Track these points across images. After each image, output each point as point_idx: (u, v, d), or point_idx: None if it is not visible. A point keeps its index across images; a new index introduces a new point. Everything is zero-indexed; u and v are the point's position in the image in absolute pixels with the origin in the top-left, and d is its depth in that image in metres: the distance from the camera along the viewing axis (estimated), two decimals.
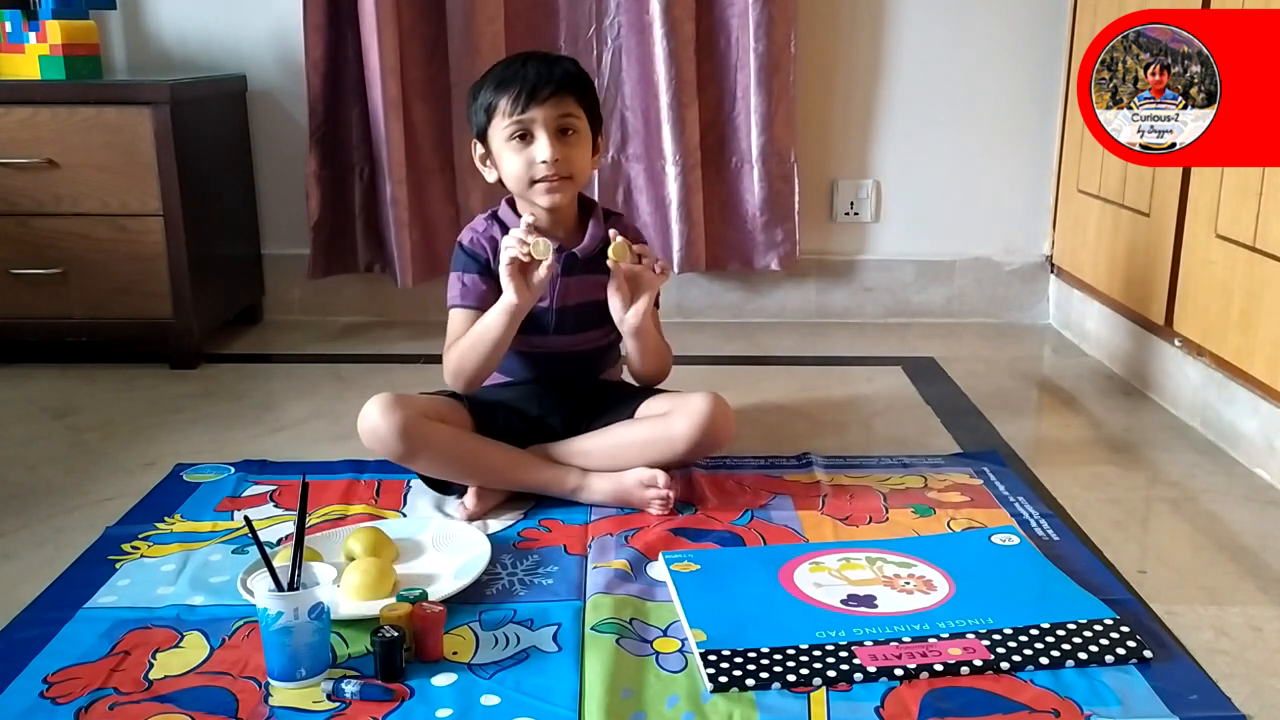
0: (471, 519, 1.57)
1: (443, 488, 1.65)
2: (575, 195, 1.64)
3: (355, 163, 2.57)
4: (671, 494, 1.58)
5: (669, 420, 1.58)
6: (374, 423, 1.56)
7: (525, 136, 1.56)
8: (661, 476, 1.57)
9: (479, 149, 1.64)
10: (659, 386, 1.72)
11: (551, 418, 1.65)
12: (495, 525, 1.56)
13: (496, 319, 1.56)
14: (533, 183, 1.57)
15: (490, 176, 1.64)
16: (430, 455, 1.57)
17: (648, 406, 1.65)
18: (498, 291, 1.59)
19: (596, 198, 2.60)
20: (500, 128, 1.57)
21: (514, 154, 1.57)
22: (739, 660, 1.19)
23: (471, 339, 1.59)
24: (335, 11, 2.48)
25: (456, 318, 1.64)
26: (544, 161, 1.55)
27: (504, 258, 1.52)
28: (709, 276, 2.71)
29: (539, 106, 1.54)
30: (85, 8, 2.38)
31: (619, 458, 1.60)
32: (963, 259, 2.73)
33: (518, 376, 1.73)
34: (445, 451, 1.57)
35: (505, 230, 1.63)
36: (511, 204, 1.66)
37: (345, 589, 1.32)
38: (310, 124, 2.51)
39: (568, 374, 1.68)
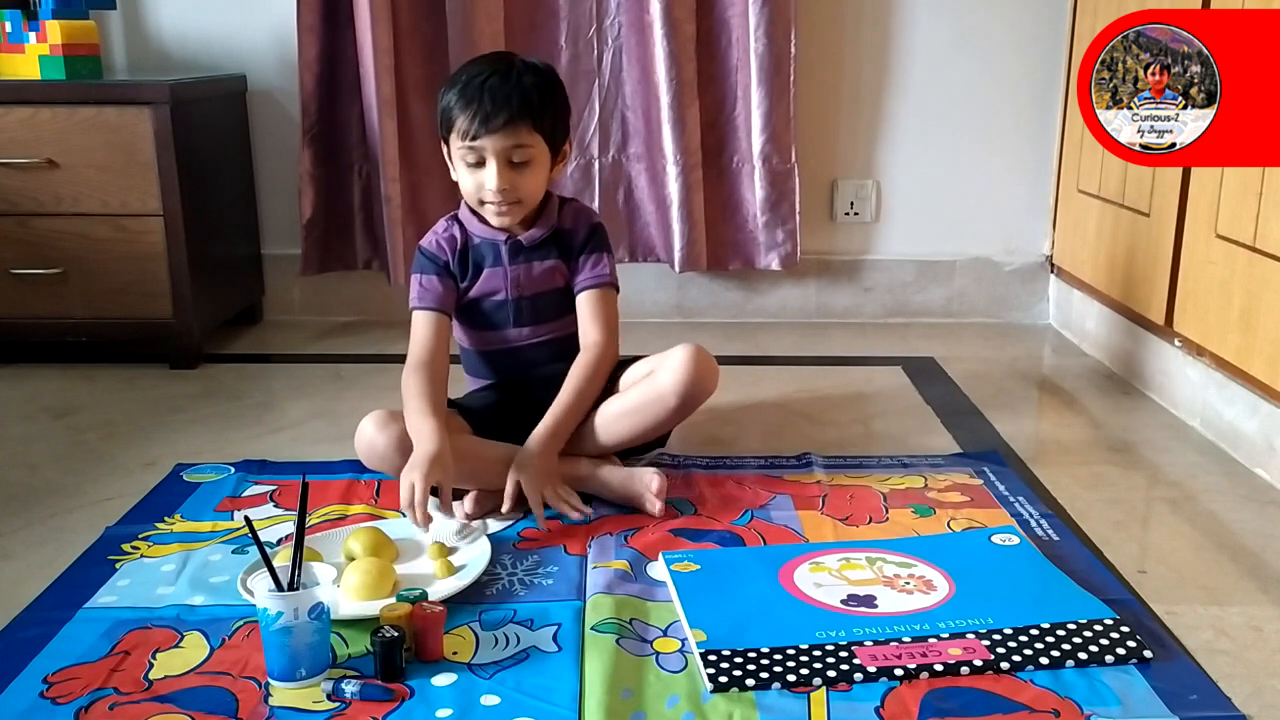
0: (471, 518, 1.57)
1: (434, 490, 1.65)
2: (530, 210, 1.65)
3: (353, 161, 2.57)
4: (660, 505, 1.57)
5: (654, 379, 1.61)
6: (370, 439, 1.56)
7: (478, 161, 1.58)
8: (656, 482, 1.57)
9: (445, 149, 1.65)
10: (635, 354, 1.74)
11: (542, 410, 1.65)
12: (495, 525, 1.56)
13: (412, 427, 1.53)
14: (481, 204, 1.62)
15: (454, 176, 1.66)
16: None
17: (630, 374, 1.67)
18: (454, 291, 1.67)
19: (597, 198, 2.61)
20: (455, 146, 1.59)
21: (466, 173, 1.61)
22: (739, 660, 1.19)
23: (407, 408, 1.57)
24: (330, 11, 2.48)
25: (416, 320, 1.66)
26: (491, 189, 1.58)
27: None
28: (709, 276, 2.71)
29: (490, 136, 1.55)
30: (85, 8, 2.37)
31: (615, 431, 1.62)
32: (963, 259, 2.73)
33: (494, 378, 1.74)
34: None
35: (465, 231, 1.67)
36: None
37: (345, 589, 1.32)
38: (303, 123, 2.52)
39: (540, 367, 1.69)
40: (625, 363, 1.72)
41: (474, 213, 1.67)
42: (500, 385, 1.75)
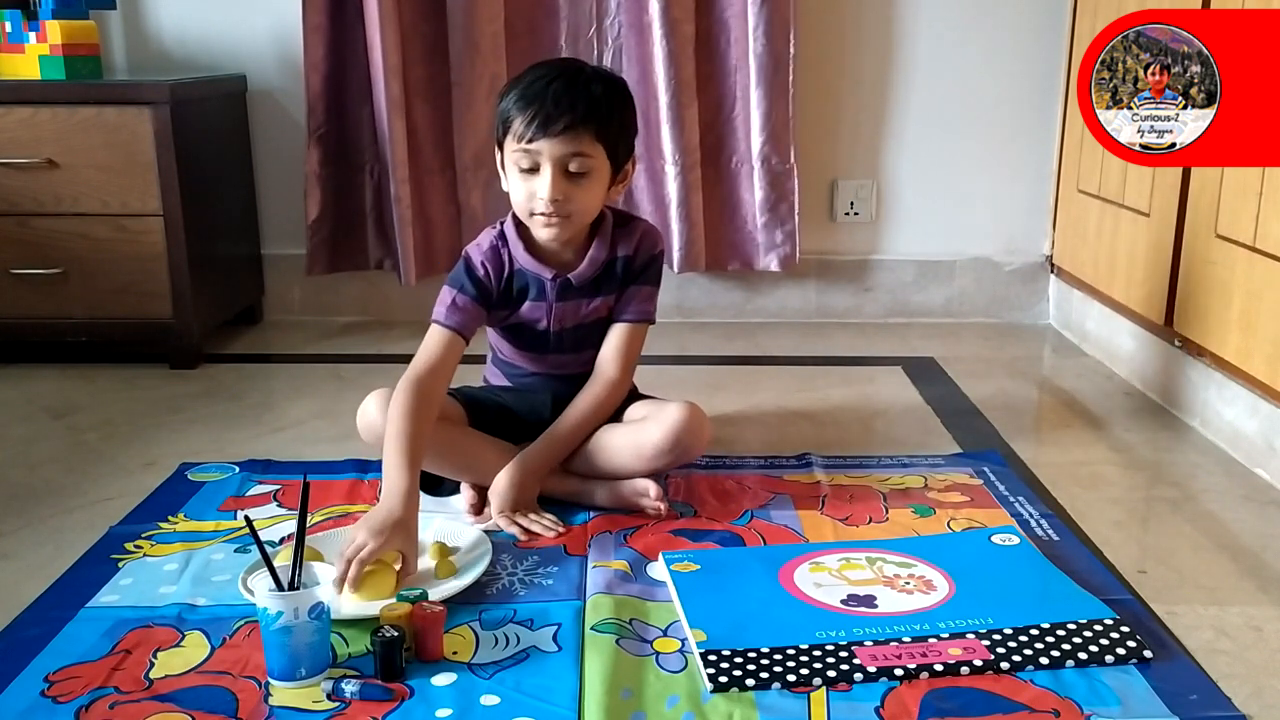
0: (477, 512, 1.57)
1: (431, 488, 1.65)
2: (580, 228, 1.56)
3: (364, 161, 2.57)
4: (663, 506, 1.57)
5: (643, 427, 1.58)
6: (371, 418, 1.56)
7: (532, 167, 1.49)
8: (654, 489, 1.56)
9: (499, 155, 1.56)
10: (645, 392, 1.74)
11: (544, 419, 1.65)
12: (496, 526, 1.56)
13: (386, 472, 1.42)
14: (530, 214, 1.52)
15: (505, 186, 1.57)
16: (427, 451, 1.57)
17: (631, 411, 1.65)
18: (483, 318, 1.59)
19: None
20: (510, 149, 1.50)
21: (519, 180, 1.51)
22: (739, 660, 1.19)
23: (388, 432, 1.45)
24: (334, 10, 2.48)
25: (432, 334, 1.56)
26: (543, 198, 1.48)
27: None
28: (709, 276, 2.72)
29: (548, 140, 1.46)
30: (85, 8, 2.37)
31: (598, 460, 1.60)
32: (963, 259, 2.73)
33: (518, 385, 1.73)
34: (441, 448, 1.57)
35: (511, 255, 1.59)
36: (518, 221, 1.59)
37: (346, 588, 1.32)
38: (309, 123, 2.52)
39: (563, 393, 1.65)
40: (632, 396, 1.70)
41: (519, 233, 1.58)
42: (517, 392, 1.72)
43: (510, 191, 1.54)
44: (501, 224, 1.61)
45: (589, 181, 1.50)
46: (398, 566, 1.35)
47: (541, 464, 1.58)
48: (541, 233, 1.53)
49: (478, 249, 1.60)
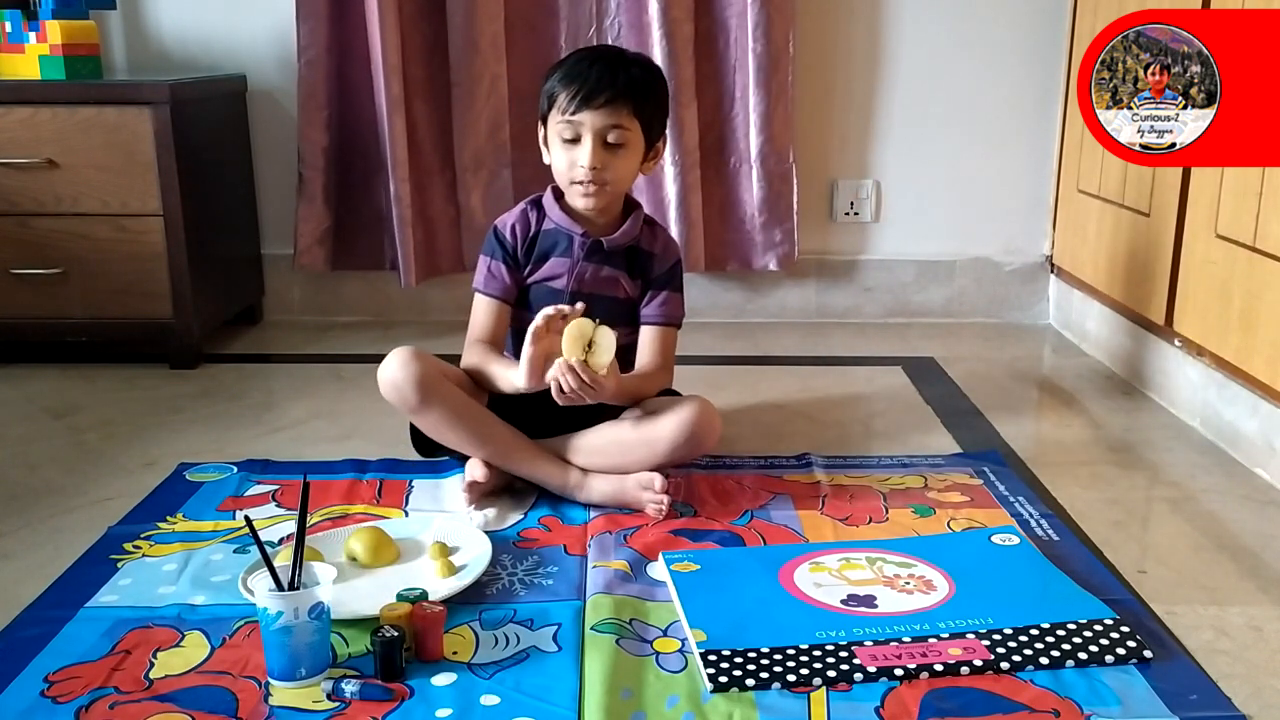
0: (477, 494, 1.59)
1: (429, 451, 1.68)
2: (615, 198, 1.67)
3: (361, 161, 2.57)
4: (668, 499, 1.57)
5: (654, 423, 1.59)
6: (393, 372, 1.58)
7: (574, 138, 1.60)
8: (659, 481, 1.57)
9: (541, 131, 1.67)
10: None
11: (557, 411, 1.64)
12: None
13: (500, 381, 1.61)
14: (571, 183, 1.63)
15: (547, 159, 1.68)
16: (441, 412, 1.59)
17: (641, 405, 1.65)
18: (519, 281, 1.69)
19: None
20: (554, 122, 1.62)
21: (560, 151, 1.63)
22: (739, 660, 1.19)
23: (486, 370, 1.64)
24: (333, 10, 2.48)
25: (478, 304, 1.71)
26: (583, 166, 1.60)
27: (535, 332, 1.50)
28: (709, 277, 2.71)
29: (590, 112, 1.58)
30: (85, 8, 2.37)
31: (606, 455, 1.61)
32: (963, 259, 2.73)
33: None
34: (456, 412, 1.60)
35: (542, 216, 1.69)
36: (556, 192, 1.70)
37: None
38: (300, 121, 2.52)
39: None
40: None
41: (557, 200, 1.69)
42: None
43: (552, 162, 1.66)
44: (539, 195, 1.73)
45: (625, 153, 1.62)
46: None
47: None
48: (579, 201, 1.65)
49: (508, 215, 1.72)
